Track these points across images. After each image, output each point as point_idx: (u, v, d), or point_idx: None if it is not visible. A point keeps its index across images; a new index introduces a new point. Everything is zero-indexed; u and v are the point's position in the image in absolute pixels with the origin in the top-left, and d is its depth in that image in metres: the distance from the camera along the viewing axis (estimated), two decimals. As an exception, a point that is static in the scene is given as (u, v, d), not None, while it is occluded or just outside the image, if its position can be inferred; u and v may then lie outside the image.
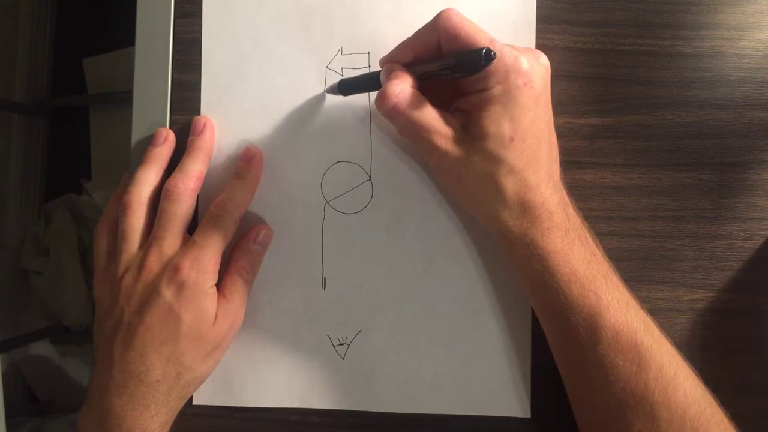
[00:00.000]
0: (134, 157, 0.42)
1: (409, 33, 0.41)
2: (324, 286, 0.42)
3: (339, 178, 0.42)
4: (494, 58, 0.31)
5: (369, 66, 0.41)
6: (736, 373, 0.40)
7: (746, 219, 0.41)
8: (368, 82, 0.38)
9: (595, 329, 0.34)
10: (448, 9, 0.34)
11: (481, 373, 0.41)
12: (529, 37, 0.41)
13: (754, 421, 0.40)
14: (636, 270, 0.41)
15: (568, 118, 0.41)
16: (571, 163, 0.41)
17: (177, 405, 0.38)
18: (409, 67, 0.35)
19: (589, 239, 0.36)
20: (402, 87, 0.34)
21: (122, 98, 1.21)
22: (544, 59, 0.35)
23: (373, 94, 0.41)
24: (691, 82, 0.41)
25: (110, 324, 0.37)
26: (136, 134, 0.42)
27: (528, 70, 0.33)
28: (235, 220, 0.39)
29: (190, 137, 0.41)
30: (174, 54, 0.42)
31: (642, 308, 0.36)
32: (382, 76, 0.36)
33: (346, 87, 0.39)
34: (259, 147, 0.41)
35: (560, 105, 0.41)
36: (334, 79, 0.41)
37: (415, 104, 0.34)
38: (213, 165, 0.42)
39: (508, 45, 0.34)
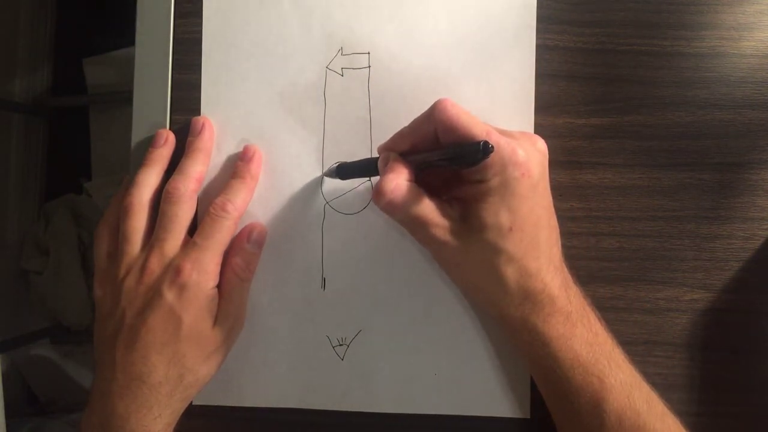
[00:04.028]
0: (134, 158, 0.42)
1: (410, 33, 0.41)
2: (323, 286, 0.42)
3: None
4: (492, 152, 0.30)
5: (369, 66, 0.41)
6: (736, 373, 0.40)
7: (746, 219, 0.41)
8: (366, 168, 0.39)
9: (598, 414, 0.34)
10: (444, 100, 0.33)
11: (480, 373, 0.41)
12: (529, 37, 0.41)
13: (754, 421, 0.40)
14: (636, 270, 0.41)
15: (568, 118, 0.41)
16: (571, 163, 0.41)
17: (180, 406, 0.38)
18: (406, 155, 0.35)
19: (591, 318, 0.36)
20: (397, 182, 0.33)
21: (122, 98, 1.20)
22: (541, 144, 0.35)
23: (374, 91, 0.41)
24: (691, 82, 0.41)
25: (111, 326, 0.37)
26: (136, 134, 0.42)
27: (525, 160, 0.33)
28: (234, 220, 0.39)
29: (189, 138, 0.41)
30: (174, 54, 0.42)
31: (645, 384, 0.36)
32: (379, 166, 0.36)
33: (344, 172, 0.40)
34: (259, 147, 0.41)
35: (560, 105, 0.41)
36: (335, 79, 0.41)
37: (410, 199, 0.34)
38: (213, 165, 0.42)
39: (505, 134, 0.34)
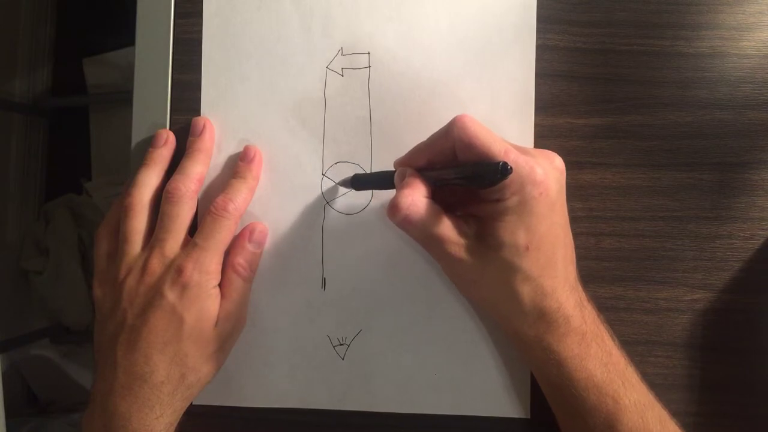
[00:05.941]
0: (134, 158, 0.42)
1: (410, 33, 0.41)
2: (324, 286, 0.42)
3: (339, 179, 0.42)
4: (510, 173, 0.30)
5: (369, 66, 0.41)
6: (736, 373, 0.40)
7: (746, 219, 0.41)
8: (382, 181, 0.38)
9: None
10: (462, 116, 0.33)
11: (480, 373, 0.41)
12: (529, 37, 0.41)
13: (754, 421, 0.40)
14: (636, 270, 0.41)
15: (568, 118, 0.41)
16: (571, 163, 0.41)
17: (182, 406, 0.38)
18: (423, 171, 0.35)
19: (605, 337, 0.36)
20: (413, 198, 0.33)
21: (122, 98, 1.21)
22: (558, 161, 0.35)
23: (374, 91, 0.41)
24: (691, 82, 0.41)
25: (112, 326, 0.37)
26: (136, 134, 0.42)
27: (543, 179, 0.33)
28: (235, 220, 0.39)
29: (190, 138, 0.41)
30: (174, 54, 0.42)
31: (658, 404, 0.36)
32: (396, 180, 0.36)
33: (359, 183, 0.40)
34: (259, 147, 0.41)
35: (560, 105, 0.41)
36: (335, 79, 0.41)
37: (426, 216, 0.33)
38: (213, 165, 0.42)
39: (523, 152, 0.33)
